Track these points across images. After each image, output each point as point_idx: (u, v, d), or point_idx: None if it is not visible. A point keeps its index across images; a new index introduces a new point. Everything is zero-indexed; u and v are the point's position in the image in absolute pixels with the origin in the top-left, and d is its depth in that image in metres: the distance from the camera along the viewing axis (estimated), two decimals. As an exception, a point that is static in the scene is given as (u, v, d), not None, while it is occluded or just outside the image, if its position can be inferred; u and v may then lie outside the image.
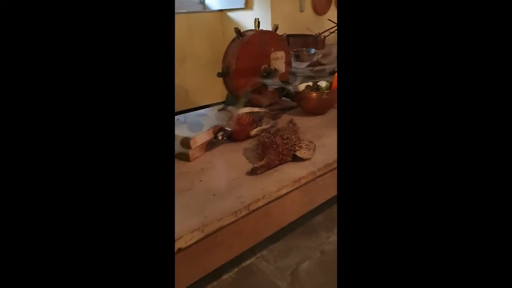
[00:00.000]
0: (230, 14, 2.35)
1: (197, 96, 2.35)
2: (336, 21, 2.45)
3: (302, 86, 1.59)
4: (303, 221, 1.12)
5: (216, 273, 0.92)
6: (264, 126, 1.34)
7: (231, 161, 1.15)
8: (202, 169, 1.09)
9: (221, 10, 2.37)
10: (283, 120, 1.48)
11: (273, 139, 1.08)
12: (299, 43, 2.23)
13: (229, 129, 1.24)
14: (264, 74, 1.57)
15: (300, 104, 1.57)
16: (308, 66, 2.00)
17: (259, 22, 1.59)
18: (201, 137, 1.17)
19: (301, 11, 2.40)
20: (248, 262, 1.00)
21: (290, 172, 1.04)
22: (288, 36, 1.70)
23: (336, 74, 1.56)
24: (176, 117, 1.52)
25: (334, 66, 2.01)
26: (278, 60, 1.63)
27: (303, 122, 1.43)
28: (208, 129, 1.20)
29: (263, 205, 0.93)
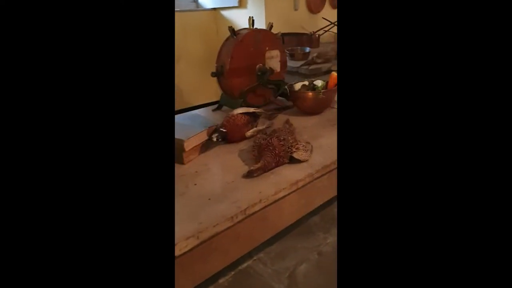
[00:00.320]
0: (224, 12, 2.32)
1: (190, 95, 2.33)
2: (330, 19, 2.44)
3: (298, 86, 1.57)
4: (299, 222, 1.11)
5: (212, 277, 0.90)
6: (259, 127, 1.32)
7: (226, 163, 1.12)
8: (196, 172, 1.07)
9: (214, 9, 2.35)
10: (279, 120, 1.46)
11: (270, 141, 1.06)
12: (293, 42, 2.22)
13: (224, 130, 1.22)
14: (259, 73, 1.55)
15: (296, 103, 1.55)
16: (303, 65, 1.98)
17: (253, 20, 1.57)
18: (195, 138, 1.14)
19: (295, 9, 2.39)
20: (244, 265, 0.98)
21: (287, 175, 1.02)
22: (283, 34, 1.68)
23: (332, 73, 1.54)
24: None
25: (329, 64, 2.00)
26: (273, 59, 1.61)
27: (299, 122, 1.41)
28: (202, 130, 1.18)
29: (259, 209, 0.91)
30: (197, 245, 0.78)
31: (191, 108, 2.00)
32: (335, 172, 1.09)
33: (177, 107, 2.03)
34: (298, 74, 1.99)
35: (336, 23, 2.40)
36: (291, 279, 0.93)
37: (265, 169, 1.02)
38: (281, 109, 1.60)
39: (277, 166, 1.05)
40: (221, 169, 1.11)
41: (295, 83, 1.58)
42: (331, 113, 1.53)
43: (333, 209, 1.20)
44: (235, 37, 1.50)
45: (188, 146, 1.10)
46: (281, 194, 0.95)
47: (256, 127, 1.32)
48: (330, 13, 2.57)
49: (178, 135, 1.10)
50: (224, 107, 1.62)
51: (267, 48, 1.57)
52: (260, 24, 2.03)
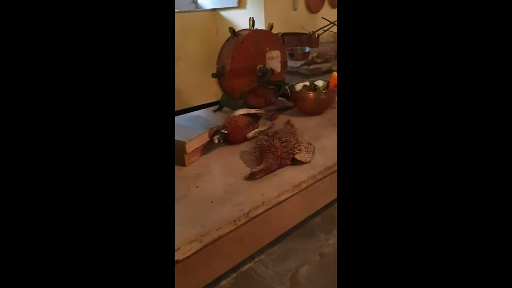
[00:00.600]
0: (223, 13, 2.32)
1: (191, 96, 2.32)
2: (329, 19, 2.43)
3: (299, 86, 1.56)
4: (301, 223, 1.10)
5: (214, 280, 0.89)
6: (261, 128, 1.32)
7: (228, 165, 1.12)
8: (198, 174, 1.06)
9: (213, 9, 2.35)
10: (280, 120, 1.46)
11: (272, 142, 1.05)
12: (293, 42, 2.22)
13: (225, 131, 1.21)
14: (260, 74, 1.54)
15: (297, 104, 1.54)
16: (303, 65, 1.98)
17: (253, 21, 1.56)
18: (197, 140, 1.13)
19: (294, 9, 2.38)
20: (246, 267, 0.97)
21: (290, 176, 1.02)
22: (283, 34, 1.67)
23: (333, 73, 1.53)
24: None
25: (329, 64, 1.99)
26: (274, 60, 1.60)
27: (301, 123, 1.40)
28: (204, 132, 1.17)
29: (262, 212, 0.90)
30: (200, 249, 0.78)
31: (190, 109, 1.99)
32: (338, 173, 1.08)
33: (177, 107, 2.02)
34: (298, 74, 1.98)
35: (335, 22, 2.40)
36: (293, 281, 0.93)
37: (267, 171, 1.01)
38: (282, 109, 1.59)
39: (279, 167, 1.05)
40: (223, 171, 1.11)
41: (296, 84, 1.57)
42: (333, 114, 1.52)
43: (335, 210, 1.19)
44: (235, 38, 1.50)
45: (189, 148, 1.09)
46: (283, 196, 0.95)
47: (257, 128, 1.31)
48: (329, 13, 2.57)
49: (179, 137, 1.09)
50: (225, 108, 1.61)
51: (267, 49, 1.56)
52: (259, 25, 2.03)
